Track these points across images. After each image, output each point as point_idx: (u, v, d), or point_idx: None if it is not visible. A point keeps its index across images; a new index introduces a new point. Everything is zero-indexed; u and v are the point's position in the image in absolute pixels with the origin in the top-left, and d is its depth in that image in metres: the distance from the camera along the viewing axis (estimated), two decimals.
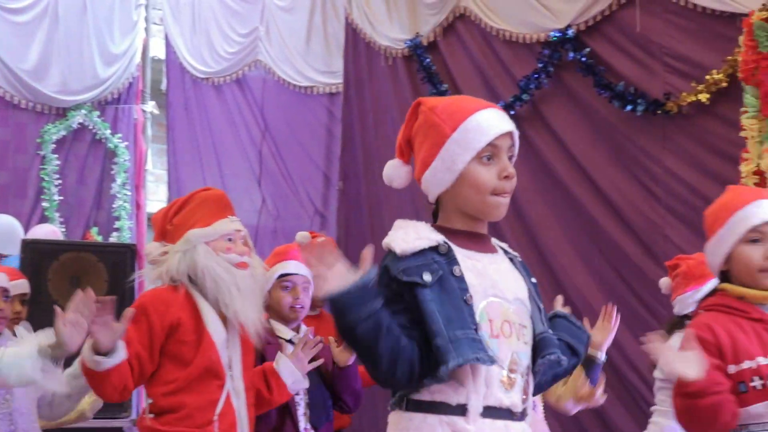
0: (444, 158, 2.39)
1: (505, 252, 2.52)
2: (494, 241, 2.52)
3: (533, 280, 2.52)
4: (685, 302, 4.13)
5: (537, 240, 6.27)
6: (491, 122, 2.42)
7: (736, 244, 2.76)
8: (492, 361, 2.28)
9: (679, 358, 2.62)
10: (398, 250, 2.34)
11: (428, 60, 6.83)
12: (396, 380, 2.31)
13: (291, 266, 4.21)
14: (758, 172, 5.18)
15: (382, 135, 7.16)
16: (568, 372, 2.58)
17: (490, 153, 2.40)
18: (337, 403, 4.30)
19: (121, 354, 3.11)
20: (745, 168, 5.22)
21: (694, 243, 5.45)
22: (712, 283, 3.84)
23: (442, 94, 6.68)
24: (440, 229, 2.41)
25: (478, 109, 2.43)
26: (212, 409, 3.28)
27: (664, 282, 4.33)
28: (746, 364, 2.69)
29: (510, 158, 2.45)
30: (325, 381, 4.19)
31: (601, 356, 3.89)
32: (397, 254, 2.33)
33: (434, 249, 2.34)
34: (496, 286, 2.38)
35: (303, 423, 3.99)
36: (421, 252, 2.34)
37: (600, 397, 3.84)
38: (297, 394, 3.95)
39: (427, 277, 2.31)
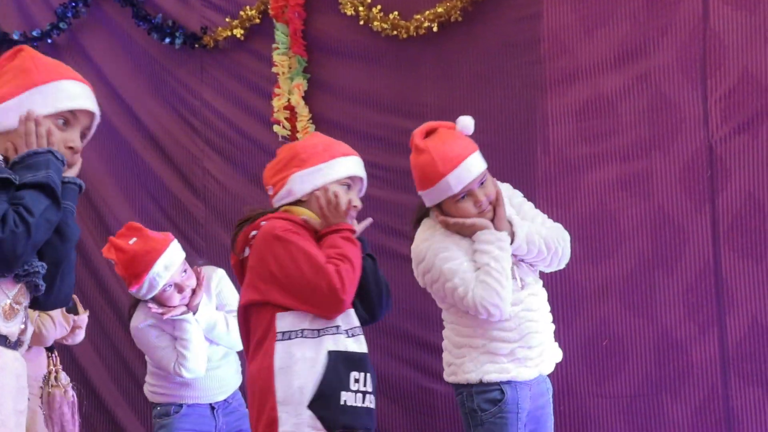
0: (21, 102, 2.54)
1: None
2: None
3: None
4: (138, 295, 4.19)
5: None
6: (77, 93, 2.64)
7: (330, 183, 3.04)
8: None
9: None
10: None
11: None
12: None
13: None
14: (289, 107, 5.44)
15: None
16: None
17: (66, 118, 2.60)
18: None
19: None
20: (276, 103, 5.46)
21: (231, 175, 5.68)
22: (150, 277, 4.00)
23: None
24: None
25: (70, 78, 2.65)
26: None
27: None
28: None
29: (83, 137, 2.68)
30: None
31: None
32: None
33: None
34: None
35: None
36: None
37: None
38: None
39: None
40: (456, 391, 3.55)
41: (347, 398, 2.87)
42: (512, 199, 3.59)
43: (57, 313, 4.51)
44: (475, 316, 3.41)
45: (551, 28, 4.82)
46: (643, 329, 4.60)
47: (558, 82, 4.81)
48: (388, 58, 5.25)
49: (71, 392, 4.54)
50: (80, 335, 4.77)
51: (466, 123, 3.52)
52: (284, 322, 2.91)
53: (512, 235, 3.44)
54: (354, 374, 2.89)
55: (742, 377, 4.43)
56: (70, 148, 2.60)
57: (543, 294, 3.58)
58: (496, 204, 3.43)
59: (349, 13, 5.25)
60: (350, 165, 3.11)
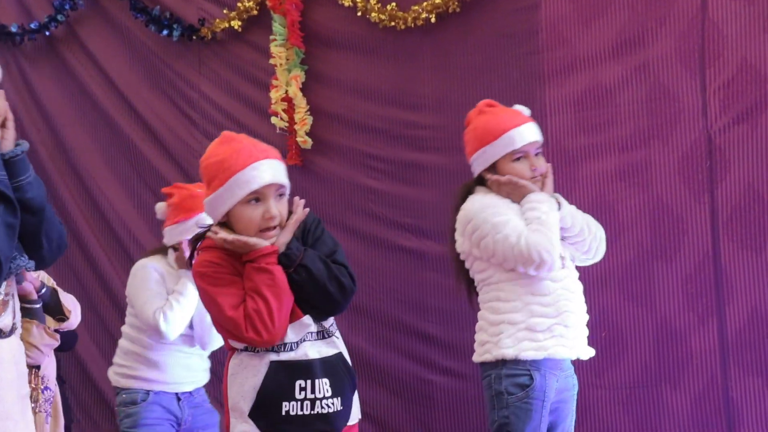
0: None
1: None
2: None
3: None
4: (172, 233, 4.26)
5: (76, 164, 6.17)
6: None
7: (236, 205, 2.81)
8: None
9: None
10: None
11: None
12: None
13: None
14: (286, 99, 5.43)
15: None
16: None
17: None
18: None
19: None
20: (274, 95, 5.44)
21: None
22: (198, 218, 4.07)
23: None
24: None
25: None
26: None
27: (160, 207, 4.39)
28: None
29: None
30: None
31: None
32: None
33: None
34: None
35: None
36: None
37: None
38: None
39: None
40: (484, 372, 3.57)
41: (290, 408, 2.81)
42: None
43: (40, 338, 4.48)
44: (516, 289, 3.49)
45: (549, 19, 4.81)
46: (643, 319, 4.60)
47: (556, 72, 4.79)
48: (385, 49, 5.23)
49: (43, 413, 4.52)
50: (74, 324, 4.75)
51: (522, 107, 3.75)
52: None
53: (558, 205, 3.59)
54: (299, 383, 2.82)
55: (741, 367, 4.43)
56: None
57: (579, 285, 3.65)
58: (545, 177, 3.63)
59: (346, 4, 5.24)
60: (250, 180, 2.80)
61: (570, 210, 3.62)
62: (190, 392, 4.32)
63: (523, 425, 3.45)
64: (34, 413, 4.33)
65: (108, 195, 6.08)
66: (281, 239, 2.86)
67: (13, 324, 2.51)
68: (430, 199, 5.09)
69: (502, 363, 3.50)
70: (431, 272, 5.07)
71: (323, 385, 2.86)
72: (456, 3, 4.97)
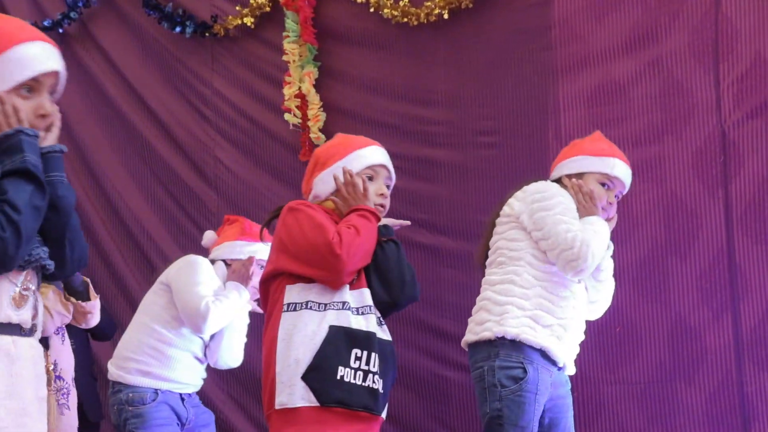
0: None
1: None
2: None
3: None
4: (233, 248, 4.37)
5: (89, 161, 6.19)
6: (35, 57, 2.38)
7: None
8: None
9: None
10: None
11: None
12: None
13: None
14: (300, 95, 5.43)
15: None
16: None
17: (29, 86, 2.38)
18: None
19: None
20: (287, 91, 5.44)
21: (243, 163, 5.69)
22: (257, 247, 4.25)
23: None
24: None
25: (24, 40, 2.38)
26: None
27: (210, 235, 4.47)
28: None
29: (53, 93, 2.45)
30: None
31: None
32: None
33: None
34: None
35: None
36: None
37: None
38: None
39: None
40: (475, 364, 3.57)
41: (344, 374, 2.86)
42: None
43: (54, 303, 4.50)
44: (532, 280, 3.54)
45: (562, 14, 4.79)
46: (657, 315, 4.59)
47: (569, 68, 4.78)
48: (398, 45, 5.22)
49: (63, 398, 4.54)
50: (93, 320, 4.78)
51: None
52: (291, 293, 2.95)
53: None
54: (356, 351, 2.88)
55: (756, 363, 4.42)
56: (42, 115, 2.42)
57: (585, 310, 3.74)
58: (608, 220, 3.73)
59: (359, 0, 5.23)
60: (368, 155, 3.15)
61: (610, 259, 3.74)
62: (189, 394, 4.35)
63: (516, 418, 3.45)
64: (48, 393, 4.36)
65: (121, 191, 6.10)
66: (383, 220, 3.11)
67: (33, 324, 2.49)
68: (444, 195, 5.08)
69: (495, 354, 3.50)
70: (446, 268, 5.07)
71: (375, 360, 2.90)
72: None
